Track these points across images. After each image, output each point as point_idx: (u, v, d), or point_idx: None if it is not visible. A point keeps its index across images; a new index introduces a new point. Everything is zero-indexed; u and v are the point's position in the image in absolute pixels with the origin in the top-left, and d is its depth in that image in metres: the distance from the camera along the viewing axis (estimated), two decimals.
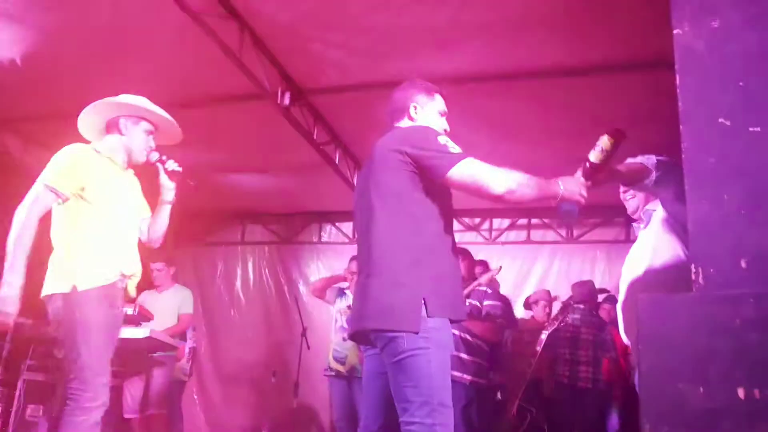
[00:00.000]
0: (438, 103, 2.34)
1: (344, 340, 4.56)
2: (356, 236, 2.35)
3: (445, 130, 2.31)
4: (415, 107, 2.30)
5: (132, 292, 2.72)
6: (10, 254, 2.40)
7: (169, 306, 5.06)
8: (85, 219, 2.54)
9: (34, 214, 2.46)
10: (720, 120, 1.50)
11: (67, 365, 2.41)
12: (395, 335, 1.95)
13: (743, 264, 1.40)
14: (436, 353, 1.95)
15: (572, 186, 2.10)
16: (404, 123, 2.31)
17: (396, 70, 4.20)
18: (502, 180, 2.00)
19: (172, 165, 2.72)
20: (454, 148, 2.06)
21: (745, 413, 1.27)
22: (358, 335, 2.15)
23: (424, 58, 4.04)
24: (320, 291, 4.74)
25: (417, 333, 1.93)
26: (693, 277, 1.47)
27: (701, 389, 1.33)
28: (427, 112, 2.31)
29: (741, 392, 1.28)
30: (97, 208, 2.55)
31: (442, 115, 2.35)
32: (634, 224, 2.76)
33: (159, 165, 2.74)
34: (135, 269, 2.68)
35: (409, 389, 1.92)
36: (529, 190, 2.03)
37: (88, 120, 2.74)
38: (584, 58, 3.97)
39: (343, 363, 4.54)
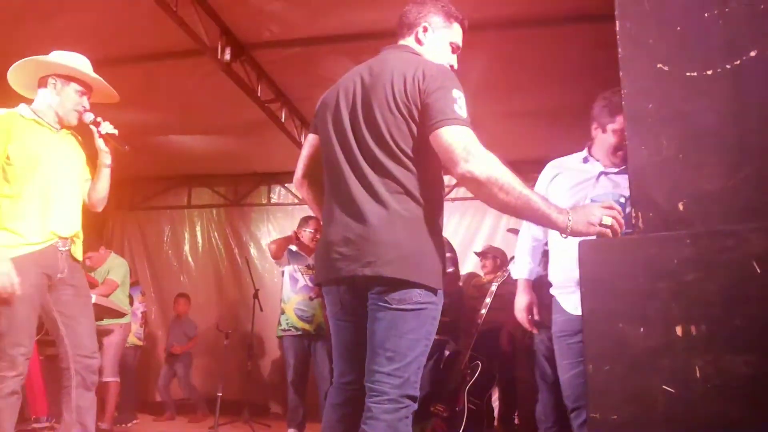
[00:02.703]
0: (454, 33, 2.03)
1: (311, 299, 4.54)
2: (336, 150, 1.88)
3: (452, 66, 2.01)
4: (426, 28, 1.99)
5: (77, 255, 2.65)
6: None
7: (101, 278, 5.07)
8: (10, 185, 2.46)
9: None
10: (658, 65, 1.51)
11: None
12: (414, 286, 1.75)
13: (681, 206, 1.43)
14: (439, 314, 1.82)
15: (580, 218, 1.67)
16: (410, 42, 2.00)
17: (340, 24, 4.12)
18: (492, 163, 1.67)
19: (106, 127, 2.63)
20: (462, 110, 1.75)
21: (682, 350, 1.31)
22: (348, 280, 1.83)
23: (369, 11, 3.95)
24: (279, 254, 4.67)
25: (437, 291, 1.79)
26: (633, 221, 1.50)
27: (641, 329, 1.37)
28: (438, 38, 2.00)
29: (679, 330, 1.32)
30: (23, 173, 2.47)
31: (454, 50, 2.04)
32: (585, 153, 2.71)
33: (93, 127, 2.64)
34: (70, 232, 2.60)
35: (407, 340, 1.74)
36: (515, 194, 1.65)
37: (18, 79, 2.64)
38: (530, 10, 3.95)
39: (310, 322, 4.54)
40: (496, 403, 5.05)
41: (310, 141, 2.08)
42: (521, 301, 2.79)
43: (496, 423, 4.91)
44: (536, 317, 2.77)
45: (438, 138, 1.71)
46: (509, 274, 4.52)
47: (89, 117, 2.63)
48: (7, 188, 2.44)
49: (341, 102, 1.90)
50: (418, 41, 1.99)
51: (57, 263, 2.53)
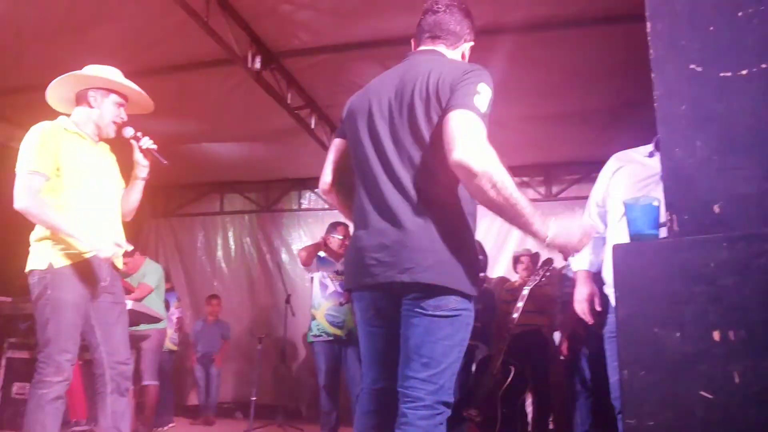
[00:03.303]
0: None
1: (341, 304, 4.56)
2: (372, 157, 1.86)
3: None
4: (472, 48, 2.00)
5: (118, 264, 2.71)
6: (62, 230, 2.45)
7: (136, 283, 5.17)
8: (59, 196, 2.52)
9: (38, 198, 2.44)
10: (691, 66, 1.49)
11: (38, 340, 2.46)
12: (450, 293, 1.74)
13: (716, 209, 1.41)
14: (472, 320, 1.82)
15: (562, 234, 1.68)
16: (446, 51, 1.95)
17: (368, 30, 4.14)
18: (492, 159, 1.62)
19: (147, 142, 2.68)
20: (482, 103, 1.72)
21: (720, 355, 1.29)
22: (384, 286, 1.80)
23: (396, 17, 3.96)
24: (308, 261, 4.72)
25: (471, 298, 1.79)
26: (668, 224, 1.48)
27: (677, 334, 1.35)
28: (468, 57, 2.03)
29: (716, 335, 1.30)
30: (71, 184, 2.53)
31: None
32: (651, 148, 2.63)
33: (133, 142, 2.69)
34: (116, 241, 2.65)
35: (442, 346, 1.74)
36: (505, 194, 1.61)
37: (56, 93, 2.69)
38: (556, 12, 3.92)
39: (341, 327, 4.56)
40: (529, 408, 5.01)
41: (336, 145, 2.06)
42: (581, 292, 2.72)
43: (530, 428, 4.87)
44: (598, 308, 2.67)
45: (446, 122, 1.68)
46: (541, 277, 4.50)
47: (130, 132, 2.68)
48: (53, 199, 2.50)
49: (374, 107, 1.87)
50: (463, 57, 1.99)
51: (101, 273, 2.59)
